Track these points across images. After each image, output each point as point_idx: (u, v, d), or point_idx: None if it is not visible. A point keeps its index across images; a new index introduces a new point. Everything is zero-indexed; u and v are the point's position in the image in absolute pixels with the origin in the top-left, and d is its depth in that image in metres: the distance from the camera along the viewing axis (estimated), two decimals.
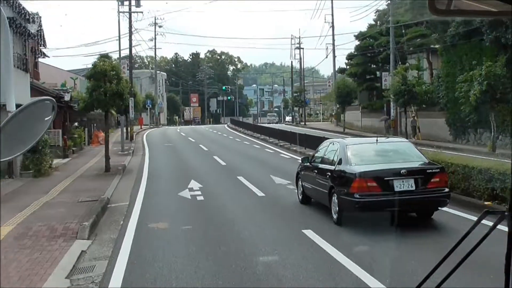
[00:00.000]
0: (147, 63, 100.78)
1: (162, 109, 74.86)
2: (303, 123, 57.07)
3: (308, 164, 11.10)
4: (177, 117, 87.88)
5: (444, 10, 1.46)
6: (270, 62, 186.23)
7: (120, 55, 40.51)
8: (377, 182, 8.58)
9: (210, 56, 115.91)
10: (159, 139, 38.31)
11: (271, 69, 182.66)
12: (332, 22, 50.13)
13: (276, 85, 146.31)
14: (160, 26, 70.06)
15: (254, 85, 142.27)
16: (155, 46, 70.99)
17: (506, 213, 1.46)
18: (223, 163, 21.00)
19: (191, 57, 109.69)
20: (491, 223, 1.54)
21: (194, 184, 14.98)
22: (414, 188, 8.57)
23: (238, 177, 16.26)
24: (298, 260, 7.13)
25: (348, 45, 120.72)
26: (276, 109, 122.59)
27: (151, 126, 62.17)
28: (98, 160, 22.33)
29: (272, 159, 22.93)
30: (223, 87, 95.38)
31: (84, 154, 26.49)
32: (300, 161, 12.90)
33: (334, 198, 9.12)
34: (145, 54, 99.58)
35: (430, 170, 8.92)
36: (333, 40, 50.60)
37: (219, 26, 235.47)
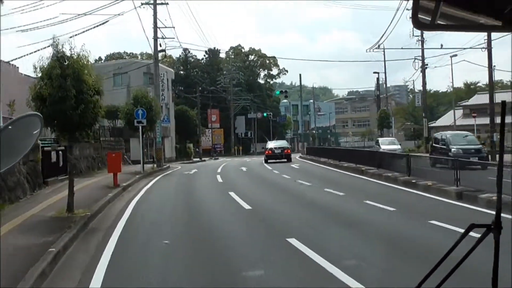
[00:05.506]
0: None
1: (168, 130, 38.94)
2: None
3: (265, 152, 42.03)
4: (191, 145, 52.01)
5: (429, 25, 1.40)
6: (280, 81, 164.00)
7: None
8: (271, 151, 39.46)
9: (233, 55, 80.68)
10: None
11: (281, 86, 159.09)
12: None
13: (311, 101, 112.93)
14: None
15: (285, 100, 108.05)
16: (154, 6, 35.48)
17: (492, 226, 1.44)
18: None
19: (206, 55, 74.22)
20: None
21: None
22: (281, 152, 39.22)
23: None
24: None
25: None
26: (314, 131, 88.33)
27: (149, 170, 26.39)
28: None
29: None
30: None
31: None
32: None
33: (265, 157, 40.04)
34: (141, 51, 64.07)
35: (286, 148, 40.70)
36: None
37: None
